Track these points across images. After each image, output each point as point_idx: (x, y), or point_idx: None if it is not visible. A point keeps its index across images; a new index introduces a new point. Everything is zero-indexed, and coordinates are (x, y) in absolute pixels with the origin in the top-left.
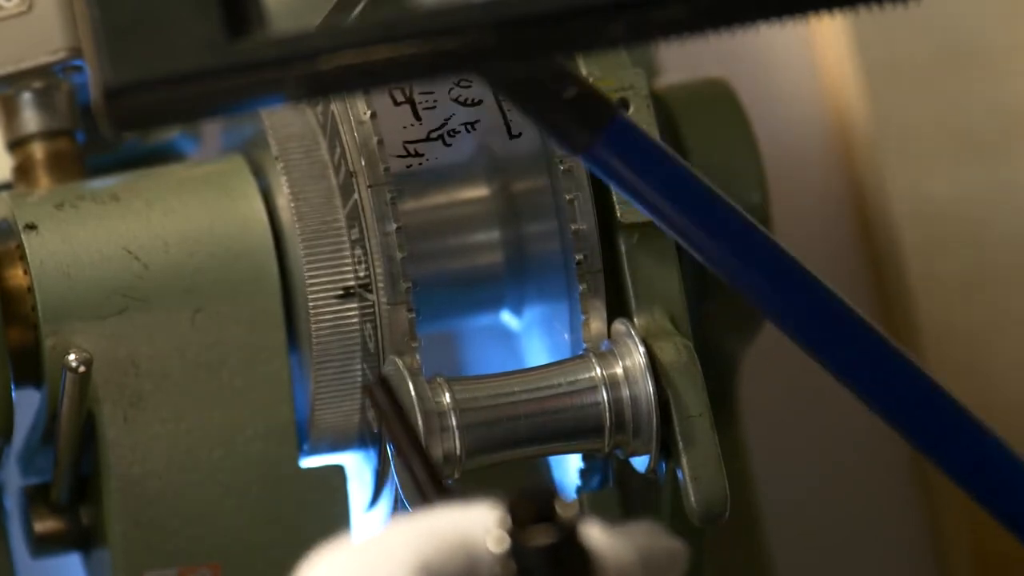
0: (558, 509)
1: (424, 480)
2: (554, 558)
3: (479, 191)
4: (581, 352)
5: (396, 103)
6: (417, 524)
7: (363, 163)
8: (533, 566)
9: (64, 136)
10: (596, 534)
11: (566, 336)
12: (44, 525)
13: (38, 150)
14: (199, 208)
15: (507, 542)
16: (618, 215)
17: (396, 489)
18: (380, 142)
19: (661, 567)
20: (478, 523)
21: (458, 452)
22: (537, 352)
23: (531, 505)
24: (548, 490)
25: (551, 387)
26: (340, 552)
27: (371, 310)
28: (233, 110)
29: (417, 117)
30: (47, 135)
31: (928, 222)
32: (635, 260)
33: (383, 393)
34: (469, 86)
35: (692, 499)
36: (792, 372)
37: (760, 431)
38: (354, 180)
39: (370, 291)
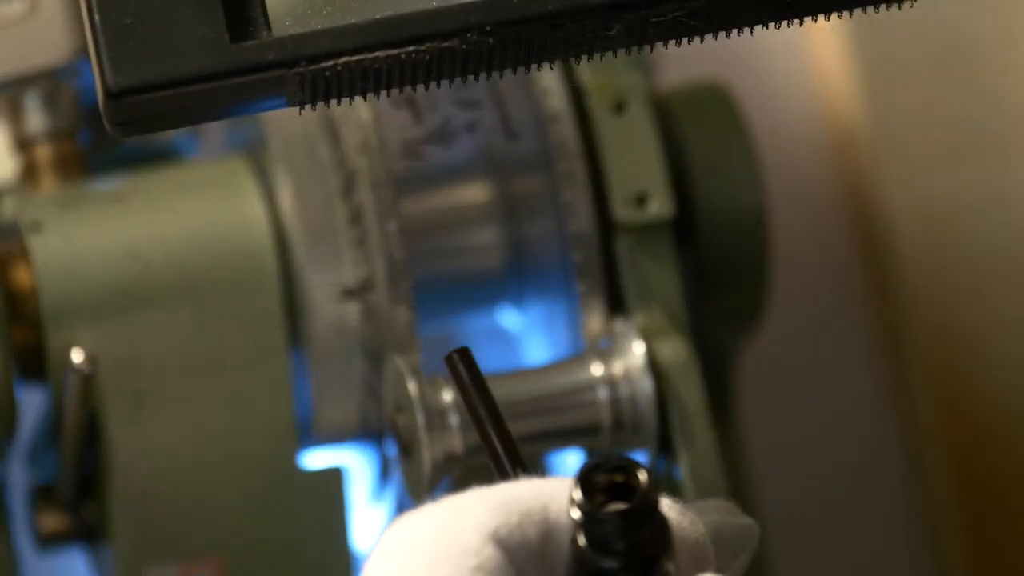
0: (633, 478)
1: (503, 453)
2: (630, 525)
3: (479, 192)
4: (581, 351)
5: (397, 104)
6: (494, 493)
7: (364, 164)
8: (609, 533)
9: (68, 137)
10: (667, 508)
11: (566, 336)
12: (49, 521)
13: (42, 151)
14: (200, 209)
15: (582, 510)
16: (616, 216)
17: (399, 485)
18: (381, 143)
19: (733, 542)
20: (555, 492)
21: (459, 450)
22: (537, 352)
23: (607, 474)
24: (624, 460)
25: (551, 386)
26: (417, 515)
27: (371, 310)
28: (236, 112)
29: (417, 118)
30: (51, 136)
31: (926, 222)
32: (634, 260)
33: (464, 364)
34: (469, 87)
35: (690, 497)
36: (792, 372)
37: (760, 430)
38: (355, 180)
39: (370, 291)
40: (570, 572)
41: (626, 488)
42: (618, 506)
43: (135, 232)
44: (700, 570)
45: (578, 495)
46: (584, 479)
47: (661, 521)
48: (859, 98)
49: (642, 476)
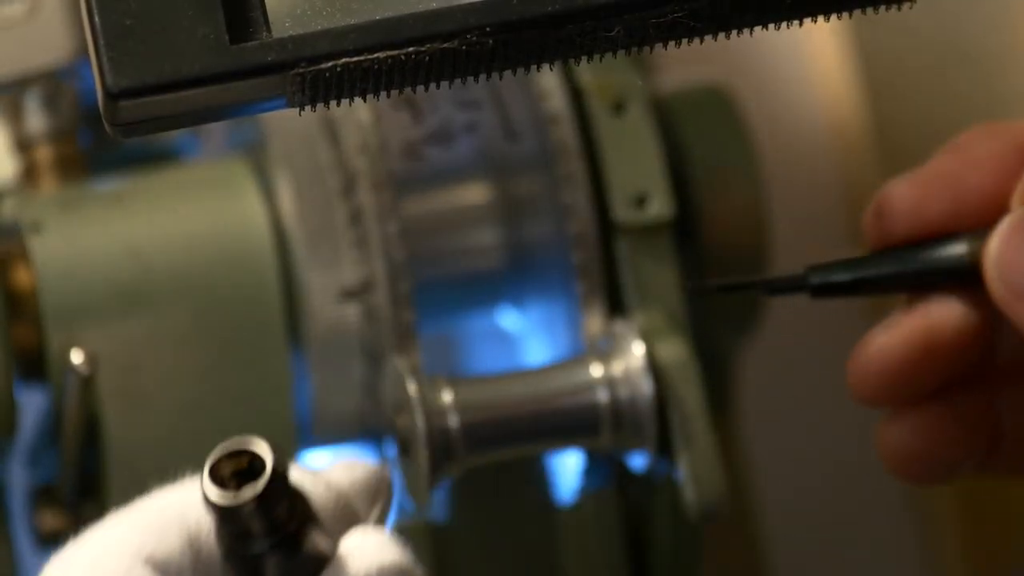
0: (257, 459)
1: None
2: (264, 506)
3: (479, 192)
4: (581, 352)
5: (396, 105)
6: (130, 514)
7: (364, 164)
8: (247, 519)
9: (68, 138)
10: (299, 478)
11: (566, 336)
12: (49, 521)
13: (43, 152)
14: (201, 209)
15: (215, 503)
16: (616, 216)
17: (399, 486)
18: (381, 144)
19: (366, 492)
20: (187, 496)
21: (458, 451)
22: (537, 352)
23: (230, 460)
24: (242, 442)
25: (551, 387)
26: (64, 554)
27: (371, 311)
28: (236, 114)
29: (417, 119)
30: (52, 137)
31: None
32: (633, 260)
33: None
34: (469, 88)
35: (690, 498)
36: (792, 372)
37: (760, 430)
38: (355, 181)
39: (370, 292)
40: (225, 567)
41: (252, 471)
42: (247, 491)
43: (135, 233)
44: (350, 527)
45: (210, 489)
46: (212, 472)
47: (295, 494)
48: (859, 98)
49: (265, 455)
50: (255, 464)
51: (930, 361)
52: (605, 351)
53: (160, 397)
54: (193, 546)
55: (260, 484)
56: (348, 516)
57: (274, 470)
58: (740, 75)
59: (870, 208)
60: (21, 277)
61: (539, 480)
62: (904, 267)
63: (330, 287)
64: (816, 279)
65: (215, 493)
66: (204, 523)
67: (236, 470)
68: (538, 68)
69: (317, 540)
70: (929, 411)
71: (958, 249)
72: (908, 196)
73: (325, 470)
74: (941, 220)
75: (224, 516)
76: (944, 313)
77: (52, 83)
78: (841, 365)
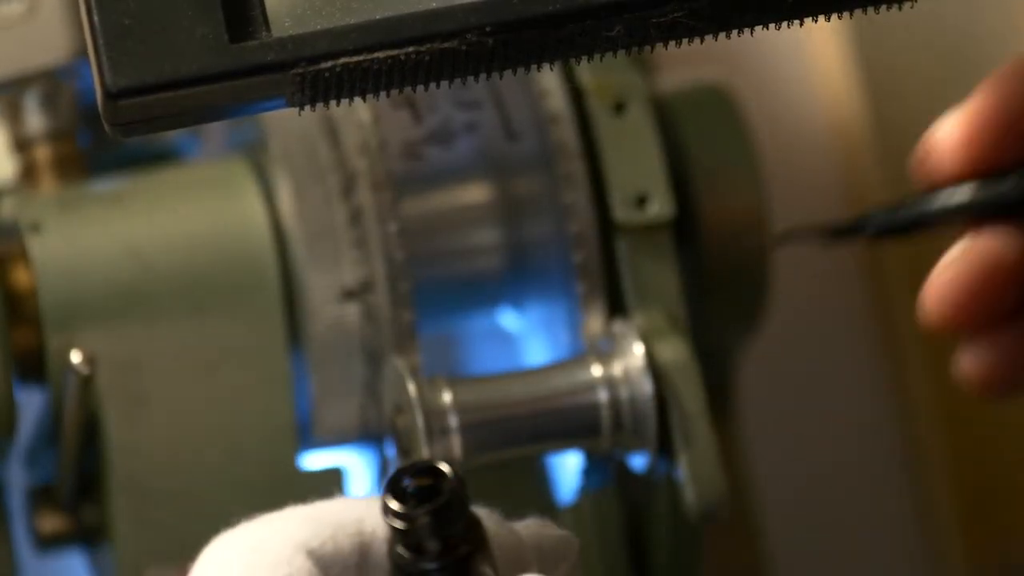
0: (440, 478)
1: None
2: (440, 522)
3: (479, 192)
4: (581, 352)
5: (396, 105)
6: (307, 509)
7: (364, 164)
8: (422, 533)
9: (68, 138)
10: (484, 516)
11: (566, 337)
12: (48, 522)
13: (42, 152)
14: (201, 210)
15: (394, 513)
16: (617, 216)
17: None
18: (381, 143)
19: (553, 552)
20: (368, 507)
21: (458, 452)
22: (537, 352)
23: (413, 478)
24: (428, 463)
25: (551, 387)
26: (232, 534)
27: (371, 311)
28: (235, 113)
29: (417, 119)
30: (51, 137)
31: None
32: (634, 260)
33: None
34: (469, 88)
35: (690, 498)
36: (792, 372)
37: (760, 431)
38: (355, 181)
39: (370, 292)
40: None
41: (434, 489)
42: (426, 507)
43: (135, 233)
44: (522, 571)
45: (389, 500)
46: (393, 486)
47: (472, 519)
48: (859, 98)
49: (448, 475)
50: (437, 485)
51: (996, 287)
52: (605, 351)
53: (160, 397)
54: (363, 551)
55: (441, 499)
56: (524, 565)
57: (454, 488)
58: (740, 75)
59: (916, 152)
60: (21, 277)
61: (539, 480)
62: (956, 201)
63: (330, 287)
64: (874, 222)
65: (395, 503)
66: (379, 533)
67: (417, 488)
68: (538, 68)
69: (486, 571)
70: (1006, 333)
71: (1008, 182)
72: (954, 134)
73: (518, 521)
74: (989, 155)
75: (400, 528)
76: (1004, 240)
77: (51, 83)
78: (841, 365)
